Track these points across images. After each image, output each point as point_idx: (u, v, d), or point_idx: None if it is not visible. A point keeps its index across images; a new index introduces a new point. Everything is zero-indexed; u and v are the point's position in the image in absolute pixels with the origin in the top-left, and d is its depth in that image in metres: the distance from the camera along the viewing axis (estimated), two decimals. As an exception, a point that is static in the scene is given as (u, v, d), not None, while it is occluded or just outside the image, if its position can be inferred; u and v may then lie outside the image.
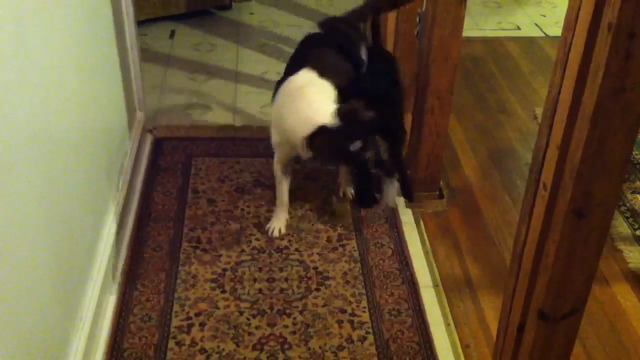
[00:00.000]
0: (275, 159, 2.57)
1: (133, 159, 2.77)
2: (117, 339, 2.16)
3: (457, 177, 2.98)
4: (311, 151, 2.32)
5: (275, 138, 2.49)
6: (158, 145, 3.11)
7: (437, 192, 2.85)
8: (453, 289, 2.44)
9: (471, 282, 2.47)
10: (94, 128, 2.24)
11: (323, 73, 2.43)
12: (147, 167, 2.94)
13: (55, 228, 1.79)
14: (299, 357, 2.15)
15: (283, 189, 2.61)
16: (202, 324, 2.24)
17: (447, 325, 2.30)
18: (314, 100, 2.35)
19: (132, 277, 2.39)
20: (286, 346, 2.18)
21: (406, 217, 2.76)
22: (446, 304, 2.38)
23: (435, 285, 2.45)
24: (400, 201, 2.83)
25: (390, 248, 2.60)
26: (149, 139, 3.10)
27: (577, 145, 1.34)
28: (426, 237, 2.66)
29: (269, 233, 2.61)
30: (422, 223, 2.73)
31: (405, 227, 2.71)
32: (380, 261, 2.54)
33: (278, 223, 2.63)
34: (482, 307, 2.36)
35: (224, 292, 2.35)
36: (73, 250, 1.92)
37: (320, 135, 2.28)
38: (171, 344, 2.17)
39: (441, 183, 2.88)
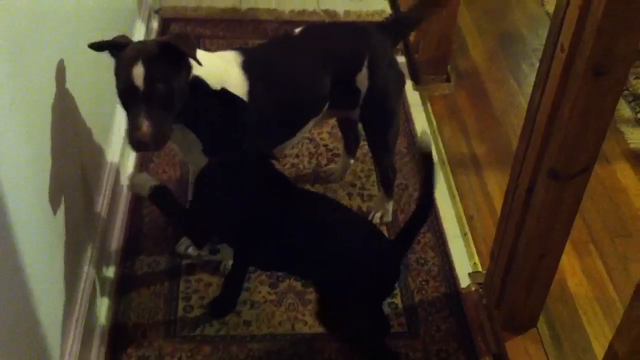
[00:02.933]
0: None
1: (142, 38, 2.76)
2: (135, 206, 2.24)
3: (464, 61, 3.00)
4: None
5: None
6: (166, 27, 3.10)
7: (445, 76, 2.88)
8: (459, 165, 2.52)
9: (477, 159, 2.54)
10: (106, 8, 2.23)
11: (250, 68, 1.84)
12: (155, 47, 2.94)
13: (74, 94, 1.83)
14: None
15: None
16: (217, 194, 2.31)
17: (453, 198, 2.38)
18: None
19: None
20: (299, 215, 2.26)
21: (413, 98, 2.80)
22: (452, 179, 2.46)
23: (442, 162, 2.52)
24: (408, 83, 2.86)
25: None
26: (156, 20, 3.08)
27: (600, 1, 1.37)
28: (433, 118, 2.71)
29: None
30: (429, 105, 2.78)
31: (412, 108, 2.75)
32: (389, 140, 2.59)
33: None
34: (486, 183, 2.45)
35: (237, 165, 2.41)
36: (94, 115, 1.96)
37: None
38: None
39: (449, 67, 2.90)
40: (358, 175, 2.44)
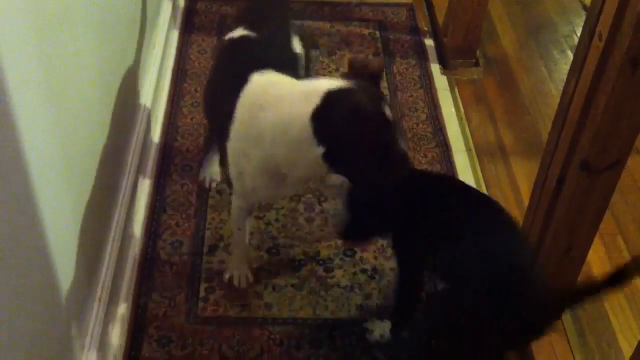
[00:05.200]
0: (238, 204, 1.85)
1: (168, 16, 2.75)
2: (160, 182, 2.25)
3: (494, 47, 2.95)
4: (321, 142, 1.48)
5: (239, 169, 1.70)
6: (192, 5, 3.08)
7: (474, 61, 2.84)
8: (486, 153, 2.48)
9: (504, 148, 2.50)
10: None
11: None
12: (182, 25, 2.93)
13: (106, 74, 1.82)
14: (335, 209, 2.22)
15: (245, 232, 1.94)
16: (240, 176, 2.31)
17: (479, 187, 2.35)
18: (296, 87, 1.61)
19: (173, 119, 2.45)
20: (322, 199, 2.25)
21: (441, 83, 2.76)
22: (478, 167, 2.42)
23: (468, 150, 2.49)
24: (436, 68, 2.82)
25: (425, 113, 2.62)
26: (182, -1, 3.07)
27: (641, -9, 1.33)
28: (460, 104, 2.68)
29: (235, 282, 2.00)
30: (456, 90, 2.74)
31: (439, 93, 2.71)
32: (415, 125, 2.56)
33: (242, 270, 2.01)
34: (513, 172, 2.41)
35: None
36: (117, 103, 1.96)
37: (334, 103, 1.48)
38: (211, 192, 2.25)
39: (478, 52, 2.86)
40: (383, 160, 2.42)
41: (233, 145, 1.67)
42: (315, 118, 1.47)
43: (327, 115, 1.47)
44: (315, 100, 1.48)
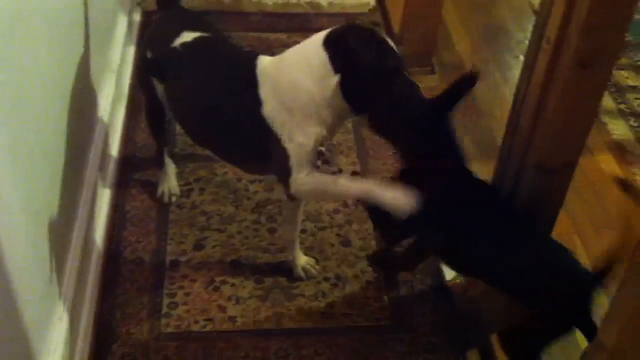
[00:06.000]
0: (306, 177, 1.76)
1: (124, 31, 2.73)
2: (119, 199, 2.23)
3: (449, 53, 3.00)
4: (336, 67, 1.66)
5: (288, 128, 1.73)
6: (149, 19, 3.06)
7: (430, 68, 2.87)
8: (444, 158, 2.51)
9: (462, 152, 2.54)
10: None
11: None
12: (138, 41, 2.91)
13: (61, 90, 1.80)
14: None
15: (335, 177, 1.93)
16: (201, 189, 2.30)
17: (439, 191, 2.38)
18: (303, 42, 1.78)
19: (131, 135, 2.43)
20: (284, 209, 2.25)
21: (398, 91, 2.79)
22: (437, 173, 2.45)
23: (427, 155, 2.51)
24: (393, 76, 2.85)
25: (383, 120, 2.63)
26: (138, 13, 3.05)
27: (585, -4, 1.36)
28: (418, 111, 2.70)
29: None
30: (414, 97, 2.77)
31: (397, 100, 2.74)
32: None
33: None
34: (472, 175, 2.44)
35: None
36: (73, 119, 1.94)
37: (344, 29, 1.70)
38: (172, 207, 2.23)
39: (433, 59, 2.90)
40: (344, 169, 2.43)
41: (270, 107, 1.74)
42: (327, 42, 1.68)
43: (338, 36, 1.68)
44: (323, 34, 1.70)
